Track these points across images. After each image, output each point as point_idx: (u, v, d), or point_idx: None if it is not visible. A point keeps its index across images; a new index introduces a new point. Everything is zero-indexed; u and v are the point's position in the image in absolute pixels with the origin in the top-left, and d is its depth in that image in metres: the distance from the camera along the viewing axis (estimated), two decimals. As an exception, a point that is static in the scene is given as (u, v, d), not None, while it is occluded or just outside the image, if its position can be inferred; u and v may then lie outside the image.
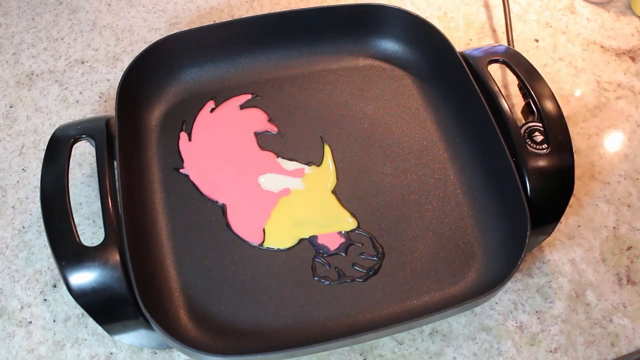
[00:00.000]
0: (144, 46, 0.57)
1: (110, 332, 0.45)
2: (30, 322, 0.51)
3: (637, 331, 0.52)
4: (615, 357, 0.51)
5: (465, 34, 0.70)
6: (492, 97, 0.53)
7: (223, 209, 0.53)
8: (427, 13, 0.72)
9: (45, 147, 0.48)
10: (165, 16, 0.70)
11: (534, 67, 0.55)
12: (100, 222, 0.50)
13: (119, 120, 0.51)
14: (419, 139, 0.57)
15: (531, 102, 0.52)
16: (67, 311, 0.51)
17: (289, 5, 0.72)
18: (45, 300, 0.52)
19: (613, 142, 0.62)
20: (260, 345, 0.47)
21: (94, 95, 0.64)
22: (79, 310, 0.51)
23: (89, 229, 0.55)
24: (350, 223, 0.53)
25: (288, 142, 0.57)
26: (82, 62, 0.66)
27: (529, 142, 0.50)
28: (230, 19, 0.68)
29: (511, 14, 0.69)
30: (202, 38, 0.59)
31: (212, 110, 0.59)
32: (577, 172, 0.51)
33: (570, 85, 0.66)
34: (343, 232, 0.52)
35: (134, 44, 0.68)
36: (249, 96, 0.60)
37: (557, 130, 0.50)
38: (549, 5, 0.73)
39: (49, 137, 0.49)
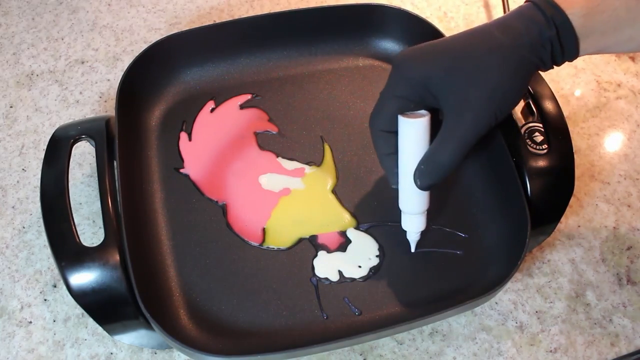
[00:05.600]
0: (144, 46, 0.57)
1: (110, 332, 0.45)
2: (30, 322, 0.51)
3: (637, 331, 0.52)
4: (615, 357, 0.51)
5: (465, 34, 0.70)
6: (492, 97, 0.53)
7: (223, 208, 0.53)
8: (427, 13, 0.72)
9: (45, 147, 0.48)
10: (165, 16, 0.70)
11: (534, 67, 0.55)
12: (100, 222, 0.50)
13: (119, 120, 0.51)
14: (419, 139, 0.57)
15: (531, 103, 0.52)
16: (67, 311, 0.51)
17: (289, 5, 0.72)
18: (45, 300, 0.52)
19: (613, 142, 0.62)
20: (260, 345, 0.47)
21: (94, 95, 0.64)
22: (79, 310, 0.51)
23: (89, 229, 0.55)
24: (350, 222, 0.53)
25: (288, 142, 0.57)
26: (82, 62, 0.66)
27: (529, 142, 0.50)
28: (230, 19, 0.68)
29: (511, 14, 0.69)
30: (202, 38, 0.59)
31: (212, 110, 0.59)
32: (577, 172, 0.51)
33: (570, 85, 0.66)
34: (342, 231, 0.52)
35: (134, 44, 0.68)
36: (249, 96, 0.60)
37: (557, 131, 0.50)
38: (549, 5, 0.73)
39: (49, 137, 0.49)
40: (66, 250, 0.43)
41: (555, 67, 0.44)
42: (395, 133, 0.46)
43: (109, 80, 0.65)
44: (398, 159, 0.46)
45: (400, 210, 0.49)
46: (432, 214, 0.53)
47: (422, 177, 0.45)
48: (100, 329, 0.48)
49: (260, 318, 0.48)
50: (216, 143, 0.57)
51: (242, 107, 0.59)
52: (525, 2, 0.44)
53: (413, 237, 0.50)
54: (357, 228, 0.52)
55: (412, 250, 0.51)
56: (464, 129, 0.42)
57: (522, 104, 0.57)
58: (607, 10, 0.41)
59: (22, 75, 0.65)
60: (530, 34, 0.42)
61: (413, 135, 0.45)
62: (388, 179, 0.48)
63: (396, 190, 0.54)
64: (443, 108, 0.43)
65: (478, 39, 0.43)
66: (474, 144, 0.43)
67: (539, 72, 0.53)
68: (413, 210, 0.48)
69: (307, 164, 0.56)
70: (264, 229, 0.52)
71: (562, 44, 0.42)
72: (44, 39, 0.68)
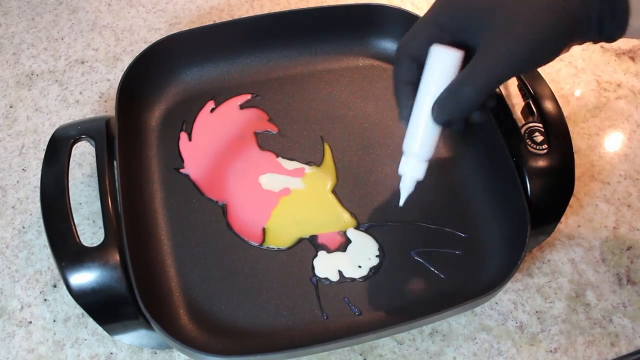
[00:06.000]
0: (144, 46, 0.57)
1: (110, 332, 0.45)
2: (30, 322, 0.51)
3: (637, 331, 0.52)
4: (615, 357, 0.51)
5: (465, 34, 0.70)
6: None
7: (223, 208, 0.53)
8: (427, 13, 0.71)
9: (45, 147, 0.48)
10: (165, 16, 0.70)
11: (534, 67, 0.55)
12: (100, 222, 0.50)
13: (119, 120, 0.51)
14: (419, 139, 0.57)
15: (531, 103, 0.52)
16: (67, 311, 0.51)
17: (289, 5, 0.72)
18: (45, 300, 0.52)
19: (613, 142, 0.62)
20: (260, 345, 0.47)
21: (94, 95, 0.64)
22: (79, 310, 0.51)
23: (89, 229, 0.55)
24: (350, 222, 0.53)
25: (288, 141, 0.57)
26: (82, 62, 0.66)
27: (529, 143, 0.50)
28: (230, 19, 0.68)
29: (511, 14, 0.69)
30: (202, 38, 0.59)
31: (212, 110, 0.59)
32: (577, 172, 0.51)
33: (570, 85, 0.66)
34: (342, 231, 0.52)
35: (134, 44, 0.68)
36: (249, 96, 0.60)
37: (557, 131, 0.50)
38: (549, 5, 0.73)
39: (49, 137, 0.49)
40: (66, 250, 0.43)
41: (593, 43, 0.42)
42: (420, 64, 0.43)
43: (109, 80, 0.65)
44: (418, 91, 0.43)
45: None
46: (433, 214, 0.53)
47: (442, 108, 0.42)
48: (100, 329, 0.48)
49: (260, 318, 0.48)
50: (216, 143, 0.57)
51: (242, 107, 0.59)
52: None
53: (407, 184, 0.45)
54: (357, 228, 0.53)
55: (401, 204, 0.46)
56: (496, 65, 0.41)
57: (522, 103, 0.57)
58: None
59: (22, 75, 0.65)
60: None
61: (444, 66, 0.42)
62: (399, 113, 0.45)
63: (395, 191, 0.54)
64: (480, 43, 0.42)
65: None
66: (498, 85, 0.42)
67: (538, 71, 0.54)
68: (417, 150, 0.44)
69: (307, 164, 0.56)
70: (264, 229, 0.52)
71: (613, 12, 0.40)
72: (44, 39, 0.68)
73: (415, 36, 0.44)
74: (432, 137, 0.43)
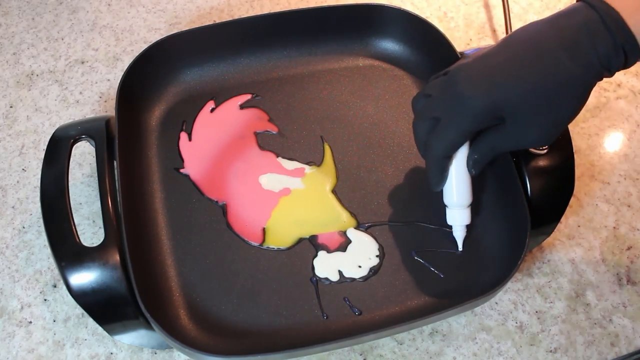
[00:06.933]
0: (144, 46, 0.56)
1: (110, 332, 0.45)
2: (30, 322, 0.51)
3: (637, 331, 0.52)
4: (615, 357, 0.51)
5: (465, 34, 0.70)
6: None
7: (223, 208, 0.53)
8: (427, 13, 0.72)
9: (45, 147, 0.48)
10: (165, 16, 0.70)
11: (534, 67, 0.55)
12: (100, 222, 0.50)
13: (119, 120, 0.51)
14: (419, 139, 0.57)
15: (531, 102, 0.52)
16: (67, 311, 0.51)
17: (289, 5, 0.72)
18: (45, 300, 0.52)
19: (613, 142, 0.62)
20: (260, 345, 0.47)
21: (94, 95, 0.64)
22: (79, 310, 0.51)
23: (89, 229, 0.55)
24: (350, 222, 0.53)
25: (288, 141, 0.57)
26: (82, 62, 0.66)
27: (529, 142, 0.50)
28: (230, 19, 0.68)
29: (511, 14, 0.69)
30: (202, 38, 0.59)
31: (212, 110, 0.59)
32: (577, 172, 0.51)
33: (570, 85, 0.66)
34: (342, 231, 0.52)
35: (134, 44, 0.68)
36: (249, 96, 0.60)
37: (557, 131, 0.50)
38: (549, 5, 0.73)
39: (49, 137, 0.49)
40: (66, 250, 0.43)
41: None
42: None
43: (109, 80, 0.65)
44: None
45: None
46: (433, 214, 0.53)
47: (480, 165, 0.47)
48: (100, 329, 0.48)
49: (260, 318, 0.48)
50: (216, 143, 0.57)
51: (242, 107, 0.59)
52: (586, 15, 0.42)
53: (459, 231, 0.50)
54: (357, 228, 0.52)
55: (460, 248, 0.51)
56: (524, 143, 0.46)
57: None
58: None
59: (22, 75, 0.65)
60: (600, 57, 0.41)
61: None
62: (434, 183, 0.48)
63: (395, 191, 0.54)
64: (513, 121, 0.44)
65: (547, 67, 0.42)
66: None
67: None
68: (461, 201, 0.49)
69: (307, 164, 0.56)
70: (264, 229, 0.52)
71: (627, 57, 0.41)
72: (44, 39, 0.68)
73: (451, 144, 0.46)
74: (468, 187, 0.49)
